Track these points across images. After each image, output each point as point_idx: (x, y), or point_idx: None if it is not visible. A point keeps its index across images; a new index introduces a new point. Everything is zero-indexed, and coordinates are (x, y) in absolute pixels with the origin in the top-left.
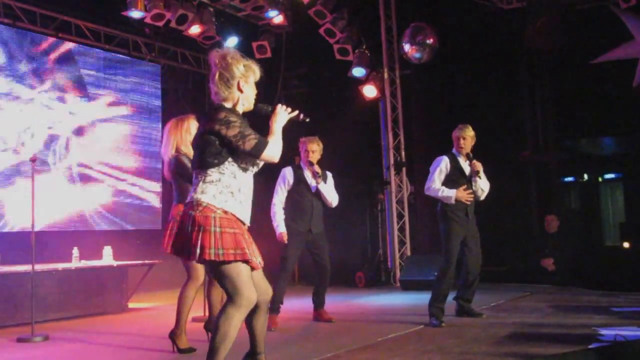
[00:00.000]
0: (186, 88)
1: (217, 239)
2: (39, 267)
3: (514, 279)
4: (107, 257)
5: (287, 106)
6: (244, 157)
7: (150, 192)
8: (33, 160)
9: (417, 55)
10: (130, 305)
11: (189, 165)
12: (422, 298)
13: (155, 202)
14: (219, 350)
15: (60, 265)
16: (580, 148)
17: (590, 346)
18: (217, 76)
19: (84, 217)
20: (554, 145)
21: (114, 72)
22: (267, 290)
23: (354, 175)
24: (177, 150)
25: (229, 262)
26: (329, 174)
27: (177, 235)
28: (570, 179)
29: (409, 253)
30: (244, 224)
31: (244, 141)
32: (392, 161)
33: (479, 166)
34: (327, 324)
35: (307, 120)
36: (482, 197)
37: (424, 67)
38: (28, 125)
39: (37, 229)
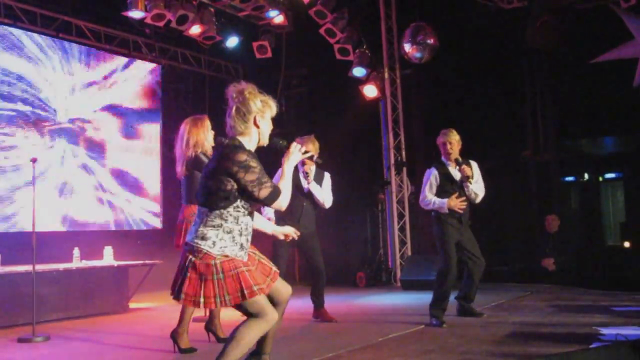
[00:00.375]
0: (186, 88)
1: (220, 287)
2: (40, 267)
3: (515, 279)
4: (108, 258)
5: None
6: (252, 202)
7: (151, 192)
8: (33, 161)
9: (418, 55)
10: (131, 305)
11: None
12: (423, 298)
13: (156, 202)
14: (229, 355)
15: (61, 266)
16: (581, 148)
17: (591, 346)
18: (233, 110)
19: (84, 217)
20: (554, 145)
21: (115, 71)
22: (287, 289)
23: (355, 175)
24: (198, 148)
25: (248, 297)
26: (327, 175)
27: (178, 274)
28: (570, 178)
29: (409, 253)
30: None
31: (260, 188)
32: (392, 161)
33: (468, 171)
34: (328, 324)
35: (320, 162)
36: (478, 201)
37: (424, 67)
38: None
39: (37, 229)
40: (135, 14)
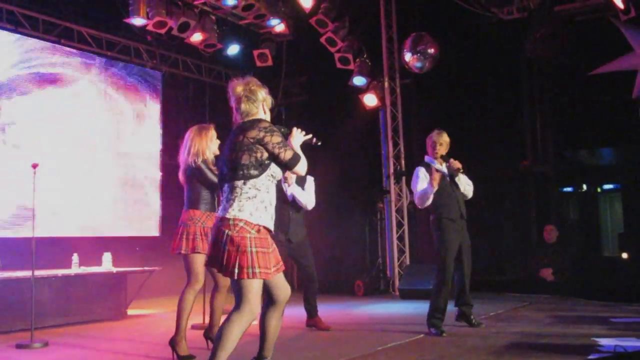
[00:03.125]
0: (187, 95)
1: (253, 259)
2: (38, 273)
3: (513, 289)
4: (107, 264)
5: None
6: (277, 169)
7: (151, 199)
8: (34, 166)
9: (419, 64)
10: (130, 311)
11: (210, 173)
12: (421, 307)
13: (156, 209)
14: (218, 355)
15: (60, 272)
16: (579, 159)
17: (589, 357)
18: (243, 99)
19: (84, 223)
20: (553, 156)
21: (115, 78)
22: (287, 289)
23: (354, 184)
24: (199, 157)
25: (244, 278)
26: (310, 178)
27: (212, 248)
28: (569, 189)
29: (408, 262)
30: (270, 232)
31: (285, 150)
32: (391, 170)
33: (457, 163)
34: (326, 333)
35: (319, 144)
36: (470, 194)
37: (424, 77)
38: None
39: (37, 235)
40: (137, 21)
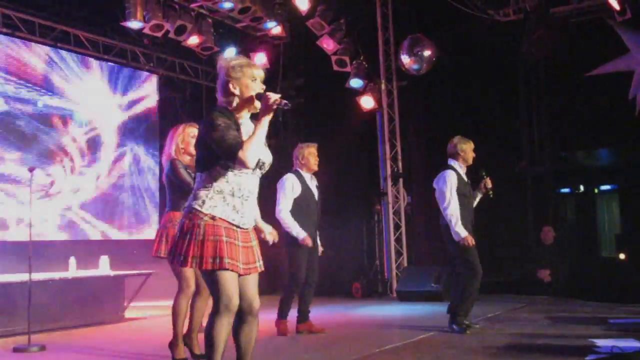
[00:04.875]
0: (184, 98)
1: (198, 247)
2: (35, 276)
3: (511, 290)
4: (104, 267)
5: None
6: (225, 159)
7: (147, 202)
8: (31, 170)
9: (415, 66)
10: (127, 315)
11: (182, 171)
12: (419, 309)
13: (153, 211)
14: (210, 357)
15: (57, 275)
16: (576, 159)
17: (586, 358)
18: (217, 81)
19: (81, 226)
20: (550, 157)
21: (112, 81)
22: (253, 302)
23: (351, 185)
24: (172, 155)
25: (211, 270)
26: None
27: (173, 239)
28: (566, 190)
29: (405, 264)
30: (239, 227)
31: (222, 144)
32: (389, 172)
33: (490, 183)
34: (323, 335)
35: (289, 106)
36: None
37: (421, 79)
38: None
39: (34, 238)
40: (134, 24)
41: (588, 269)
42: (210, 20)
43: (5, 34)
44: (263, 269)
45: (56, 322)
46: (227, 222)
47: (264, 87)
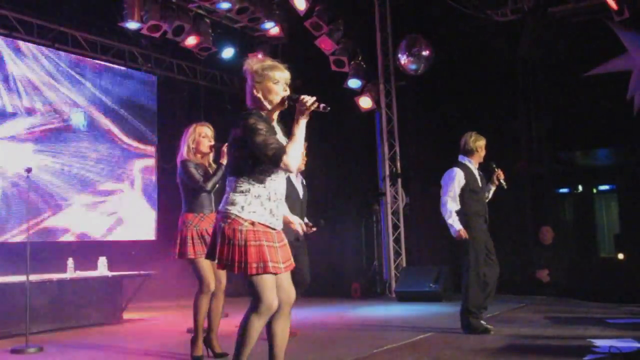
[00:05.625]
0: (182, 99)
1: (242, 252)
2: (33, 277)
3: (509, 291)
4: (102, 268)
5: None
6: (266, 166)
7: (146, 203)
8: (28, 170)
9: (413, 66)
10: (125, 316)
11: (192, 170)
12: (417, 309)
13: (151, 213)
14: (239, 355)
15: (55, 276)
16: (575, 160)
17: (585, 358)
18: (246, 84)
19: (79, 228)
20: (548, 157)
21: (110, 83)
22: (290, 293)
23: (350, 186)
24: (183, 156)
25: (256, 274)
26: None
27: (210, 241)
28: (565, 190)
29: (404, 264)
30: (274, 229)
31: (266, 149)
32: (387, 172)
33: (502, 174)
34: (322, 334)
35: (328, 109)
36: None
37: (419, 79)
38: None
39: (32, 239)
40: (131, 25)
41: (587, 269)
42: (208, 21)
43: (3, 34)
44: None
45: (54, 323)
46: (266, 225)
47: (287, 89)
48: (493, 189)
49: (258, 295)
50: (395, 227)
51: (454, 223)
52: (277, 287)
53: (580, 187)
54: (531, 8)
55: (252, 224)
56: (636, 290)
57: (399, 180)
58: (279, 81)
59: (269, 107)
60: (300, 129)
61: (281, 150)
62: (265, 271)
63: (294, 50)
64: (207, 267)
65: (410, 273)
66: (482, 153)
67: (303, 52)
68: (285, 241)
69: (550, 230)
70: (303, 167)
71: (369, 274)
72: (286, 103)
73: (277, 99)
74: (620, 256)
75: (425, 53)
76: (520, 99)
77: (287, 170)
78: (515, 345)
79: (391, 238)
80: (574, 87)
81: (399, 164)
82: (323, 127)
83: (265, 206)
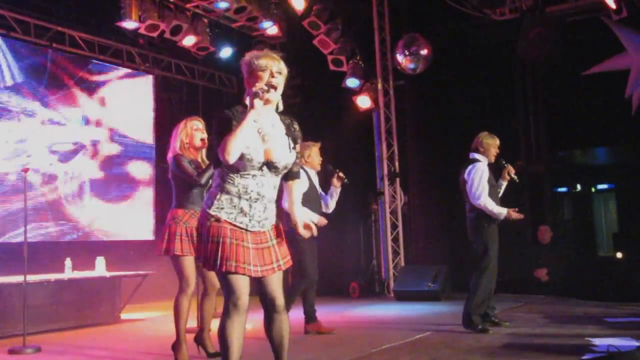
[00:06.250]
0: (180, 99)
1: (206, 248)
2: (31, 277)
3: (508, 290)
4: (100, 268)
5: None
6: (238, 162)
7: (143, 202)
8: (25, 171)
9: (411, 66)
10: (123, 316)
11: (185, 164)
12: (416, 309)
13: (149, 212)
14: (223, 357)
15: (52, 276)
16: (573, 159)
17: (583, 357)
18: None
19: (77, 228)
20: (547, 156)
21: (108, 82)
22: (275, 295)
23: (348, 185)
24: (176, 151)
25: (219, 271)
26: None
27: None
28: (563, 189)
29: (402, 263)
30: (247, 230)
31: (216, 147)
32: (385, 171)
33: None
34: (321, 335)
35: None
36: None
37: (418, 78)
38: (23, 137)
39: (29, 239)
40: (129, 24)
41: (585, 268)
42: (206, 20)
43: (0, 34)
44: (285, 267)
45: (52, 323)
46: (232, 224)
47: (275, 78)
48: (505, 184)
49: (224, 293)
50: (394, 226)
51: (495, 208)
52: (263, 292)
53: (578, 186)
54: (529, 7)
55: (218, 220)
56: (635, 289)
57: (397, 180)
58: (265, 68)
59: (260, 105)
60: (245, 121)
61: (220, 145)
62: (227, 269)
63: (292, 49)
64: (191, 266)
65: (409, 272)
66: (493, 152)
67: (301, 52)
68: (272, 243)
69: (548, 229)
70: (319, 168)
71: (368, 274)
72: (260, 95)
73: (261, 98)
74: (619, 255)
75: (423, 52)
76: (519, 98)
77: (225, 162)
78: (513, 344)
79: (389, 237)
80: (573, 86)
81: (397, 164)
82: (321, 127)
83: (235, 203)
